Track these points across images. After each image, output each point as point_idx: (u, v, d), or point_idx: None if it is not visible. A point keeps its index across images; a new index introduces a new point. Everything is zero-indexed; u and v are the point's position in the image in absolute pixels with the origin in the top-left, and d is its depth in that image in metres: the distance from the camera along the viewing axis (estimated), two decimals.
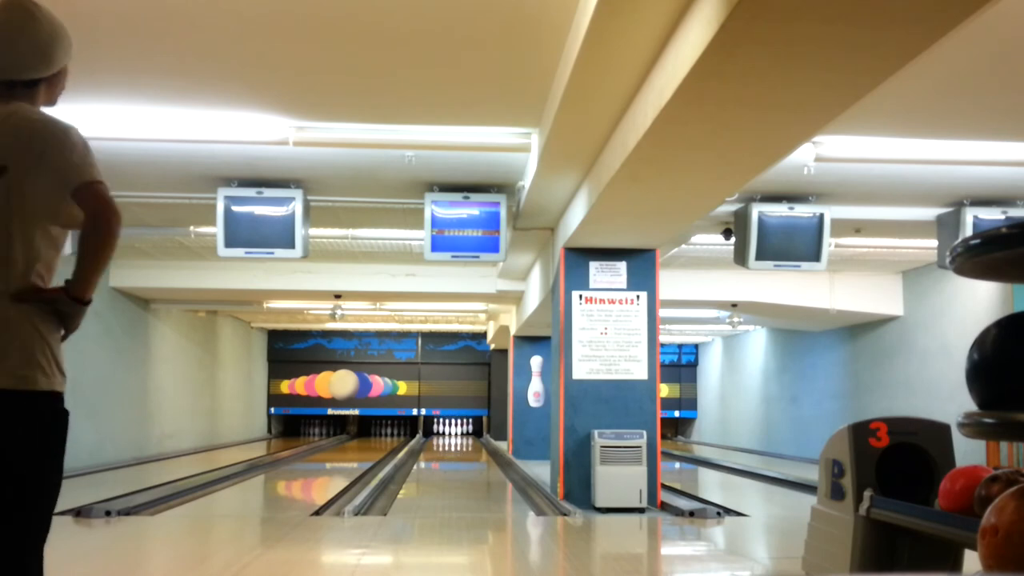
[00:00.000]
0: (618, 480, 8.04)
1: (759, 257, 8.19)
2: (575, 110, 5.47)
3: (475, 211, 8.11)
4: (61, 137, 2.25)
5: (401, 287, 12.78)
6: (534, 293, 11.74)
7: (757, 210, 8.13)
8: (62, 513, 7.41)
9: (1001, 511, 2.19)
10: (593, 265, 8.52)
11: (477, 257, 8.26)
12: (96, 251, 2.28)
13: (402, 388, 23.74)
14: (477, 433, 24.08)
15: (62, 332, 2.36)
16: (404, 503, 9.33)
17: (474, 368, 23.73)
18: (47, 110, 2.43)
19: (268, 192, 7.91)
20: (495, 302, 15.40)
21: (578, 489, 8.34)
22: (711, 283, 12.30)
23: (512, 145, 6.92)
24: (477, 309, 17.50)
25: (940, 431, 3.94)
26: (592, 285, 8.51)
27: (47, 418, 2.29)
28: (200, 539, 7.17)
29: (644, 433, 8.20)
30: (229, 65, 5.61)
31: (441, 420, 24.30)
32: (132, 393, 13.91)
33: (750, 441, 19.14)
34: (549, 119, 5.90)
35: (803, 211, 8.22)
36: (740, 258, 8.36)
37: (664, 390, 22.60)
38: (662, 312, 9.21)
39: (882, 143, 6.77)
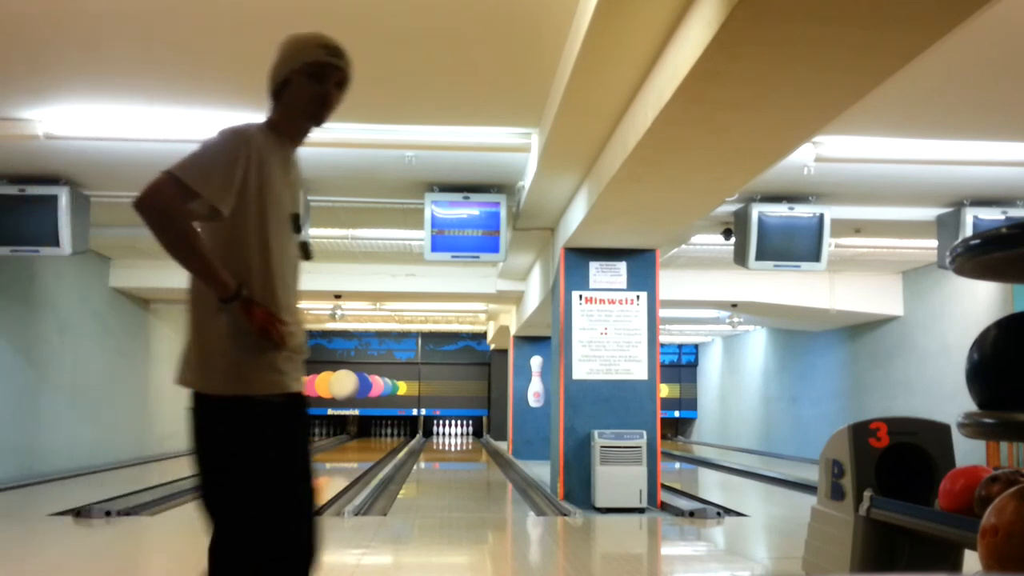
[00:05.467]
0: (618, 480, 8.04)
1: (759, 257, 8.19)
2: (575, 110, 5.47)
3: (475, 211, 8.11)
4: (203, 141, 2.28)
5: (401, 287, 12.77)
6: (534, 293, 11.74)
7: (757, 210, 8.13)
8: (62, 513, 7.41)
9: (1001, 511, 2.19)
10: (593, 265, 8.52)
11: (477, 257, 8.26)
12: (163, 247, 2.21)
13: (402, 388, 23.74)
14: (477, 433, 24.07)
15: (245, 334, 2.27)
16: (404, 503, 9.32)
17: (474, 368, 23.72)
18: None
19: None
20: (495, 302, 15.40)
21: (578, 489, 8.34)
22: (711, 283, 12.30)
23: (512, 145, 6.92)
24: (477, 309, 17.49)
25: (940, 431, 3.94)
26: (592, 285, 8.51)
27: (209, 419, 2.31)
28: (200, 539, 7.14)
29: (644, 433, 8.20)
30: (228, 65, 5.61)
31: (441, 420, 24.29)
32: (132, 393, 13.91)
33: (750, 441, 19.14)
34: (549, 119, 5.90)
35: (803, 211, 8.22)
36: (740, 258, 8.36)
37: (664, 390, 22.61)
38: (662, 312, 9.21)
39: (882, 143, 6.77)
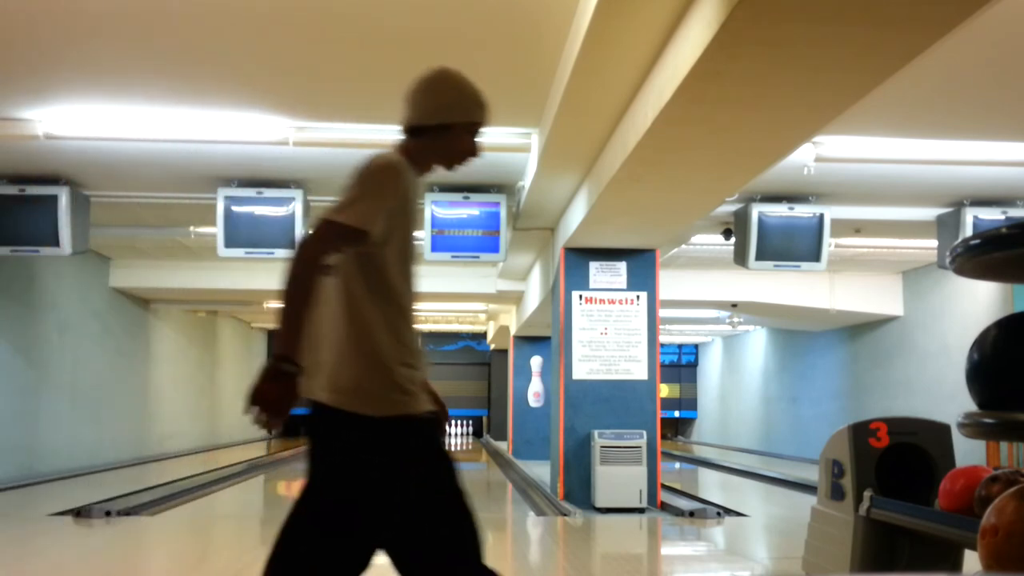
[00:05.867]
0: (618, 480, 8.04)
1: (759, 257, 8.19)
2: (575, 110, 5.47)
3: (475, 211, 8.11)
4: (355, 172, 2.28)
5: None
6: (534, 293, 11.74)
7: (757, 210, 8.13)
8: (62, 513, 7.41)
9: (1001, 511, 2.19)
10: (593, 265, 8.52)
11: (477, 257, 8.26)
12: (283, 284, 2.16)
13: None
14: (477, 433, 24.07)
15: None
16: None
17: (474, 368, 23.71)
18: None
19: (268, 192, 7.91)
20: (495, 302, 15.39)
21: (578, 489, 8.34)
22: (711, 283, 12.30)
23: (512, 145, 6.91)
24: (477, 309, 17.49)
25: (940, 431, 3.94)
26: (592, 285, 8.51)
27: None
28: (200, 539, 7.16)
29: (644, 433, 8.20)
30: (230, 65, 5.61)
31: None
32: (132, 393, 13.91)
33: (750, 441, 19.14)
34: (549, 119, 5.90)
35: (803, 211, 8.22)
36: (740, 258, 8.36)
37: (664, 390, 22.60)
38: (662, 312, 9.21)
39: (882, 143, 6.76)
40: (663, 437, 11.40)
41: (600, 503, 8.02)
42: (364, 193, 2.22)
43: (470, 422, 24.36)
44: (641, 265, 8.54)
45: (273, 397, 2.10)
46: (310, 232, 2.18)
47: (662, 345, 12.79)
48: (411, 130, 2.44)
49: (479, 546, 2.35)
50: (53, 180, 7.79)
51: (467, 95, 2.59)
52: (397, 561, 2.25)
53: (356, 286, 2.24)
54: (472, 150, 2.57)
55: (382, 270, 2.26)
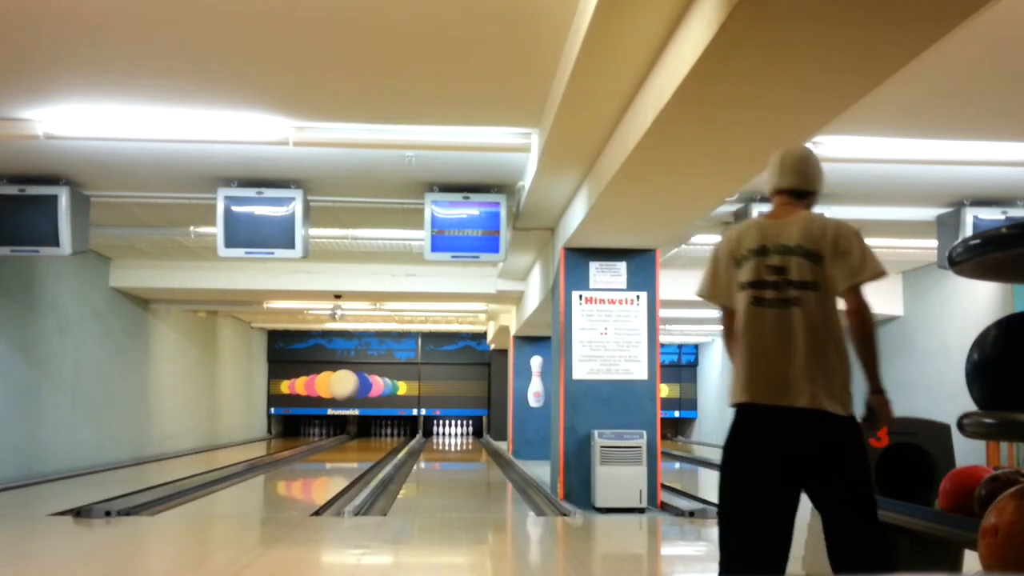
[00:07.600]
0: (618, 480, 8.04)
1: None
2: (575, 110, 5.47)
3: (475, 211, 8.11)
4: (848, 237, 3.05)
5: (401, 287, 12.77)
6: (534, 293, 11.74)
7: (757, 210, 8.11)
8: (62, 513, 7.41)
9: (1001, 511, 2.20)
10: (593, 265, 8.52)
11: (477, 257, 8.26)
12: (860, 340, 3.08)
13: (402, 388, 23.73)
14: (477, 433, 24.07)
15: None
16: (404, 503, 9.33)
17: (474, 368, 23.71)
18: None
19: (268, 192, 7.91)
20: (495, 302, 15.39)
21: (578, 489, 8.33)
22: None
23: (512, 145, 6.91)
24: (477, 309, 17.49)
25: (940, 431, 3.94)
26: (592, 285, 8.51)
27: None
28: (200, 539, 7.17)
29: (644, 433, 8.20)
30: (229, 65, 5.61)
31: (441, 420, 24.29)
32: (132, 393, 13.91)
33: None
34: (549, 119, 5.90)
35: None
36: None
37: (664, 390, 22.58)
38: (662, 312, 9.20)
39: (882, 143, 6.76)
40: (663, 437, 11.41)
41: (600, 503, 8.02)
42: (866, 250, 3.03)
43: (470, 422, 24.36)
44: (641, 265, 8.54)
45: (887, 421, 3.17)
46: (860, 306, 3.02)
47: (662, 345, 12.78)
48: (801, 193, 3.18)
49: None
50: (53, 180, 7.79)
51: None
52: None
53: (832, 316, 3.05)
54: None
55: (835, 302, 3.07)
